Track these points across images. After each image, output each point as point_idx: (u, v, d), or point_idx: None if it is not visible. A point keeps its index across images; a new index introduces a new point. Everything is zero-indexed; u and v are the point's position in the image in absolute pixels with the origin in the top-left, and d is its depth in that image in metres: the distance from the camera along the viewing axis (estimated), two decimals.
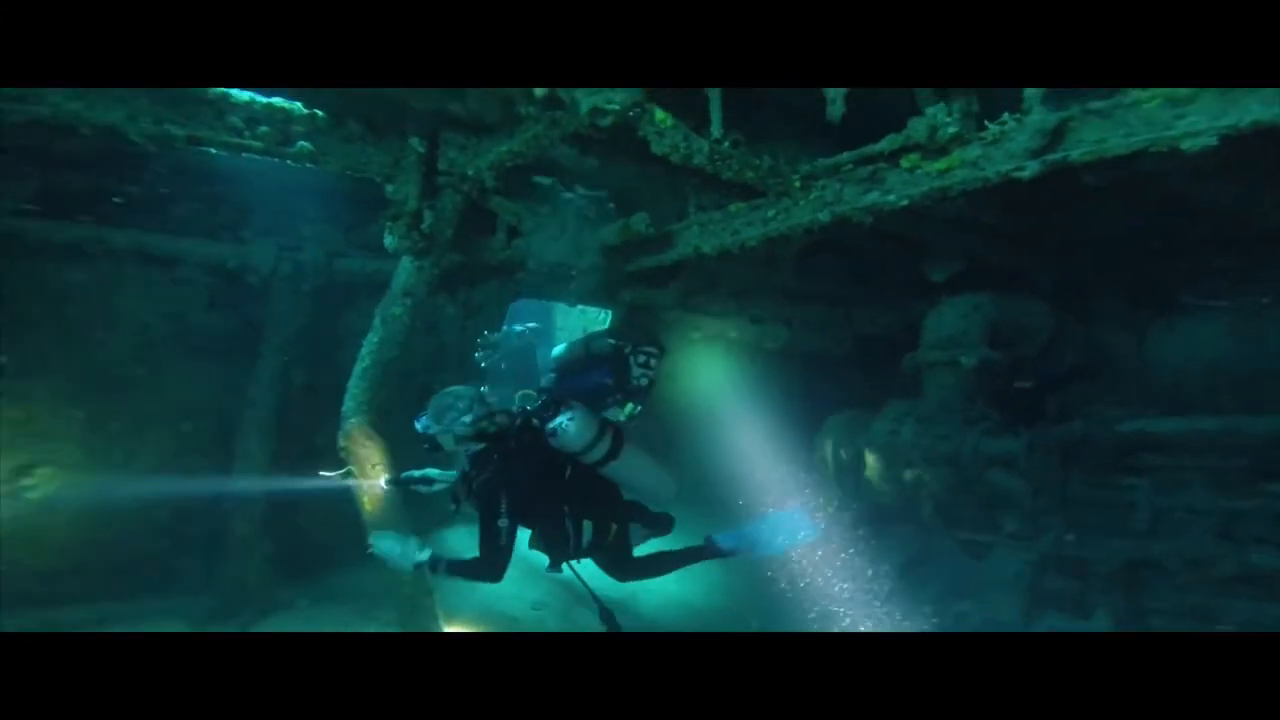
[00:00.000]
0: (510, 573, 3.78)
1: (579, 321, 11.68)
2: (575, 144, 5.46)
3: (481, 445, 3.81)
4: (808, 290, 7.94)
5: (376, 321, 5.34)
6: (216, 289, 6.19)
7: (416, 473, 4.34)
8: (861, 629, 6.50)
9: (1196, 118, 3.15)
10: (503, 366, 10.75)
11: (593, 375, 4.72)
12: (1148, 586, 5.73)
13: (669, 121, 3.88)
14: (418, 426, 3.86)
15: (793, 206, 4.83)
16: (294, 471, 5.48)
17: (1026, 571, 6.17)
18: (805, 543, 4.61)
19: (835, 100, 3.72)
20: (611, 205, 6.37)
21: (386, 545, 3.87)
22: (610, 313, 7.75)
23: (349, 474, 4.83)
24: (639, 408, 4.80)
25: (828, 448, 7.40)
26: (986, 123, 3.83)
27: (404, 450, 4.63)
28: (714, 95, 4.00)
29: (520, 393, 4.15)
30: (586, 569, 4.13)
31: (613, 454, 3.88)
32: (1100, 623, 5.73)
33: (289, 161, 4.76)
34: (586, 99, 3.51)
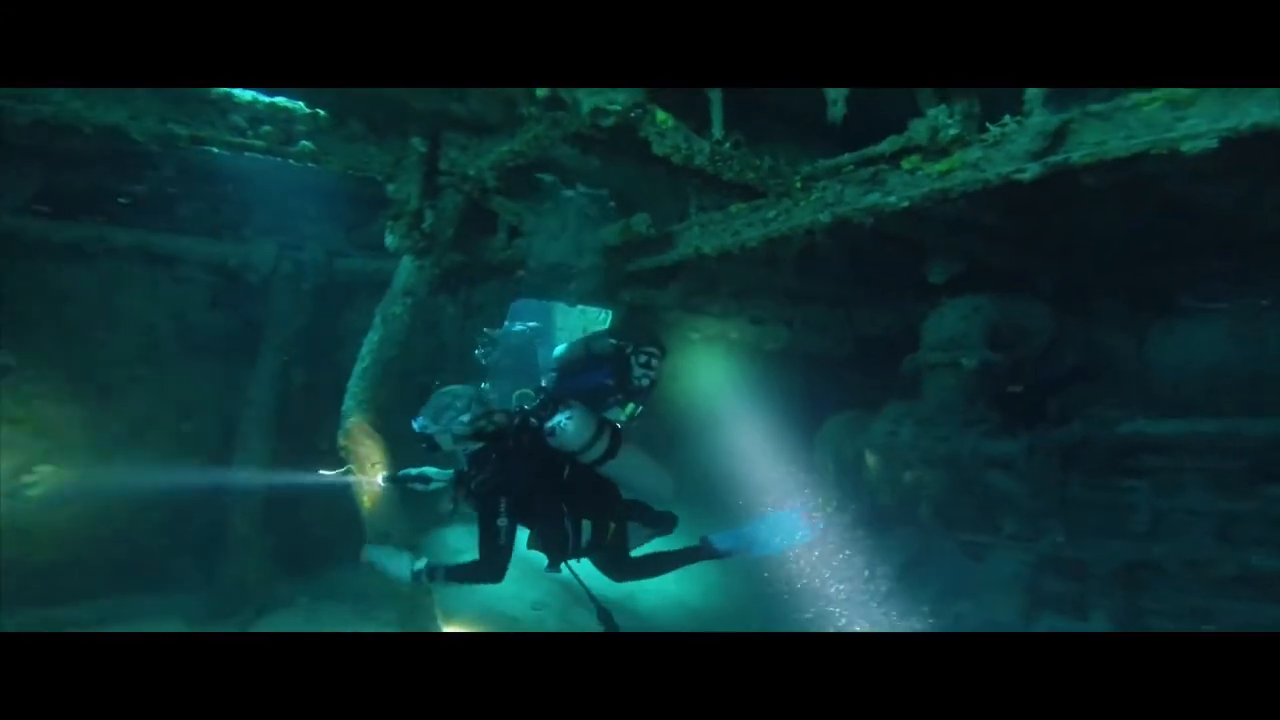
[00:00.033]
0: (510, 572, 3.77)
1: (579, 321, 11.69)
2: (576, 144, 5.46)
3: (479, 445, 3.80)
4: (808, 291, 7.95)
5: (377, 320, 5.34)
6: (217, 288, 6.19)
7: (414, 471, 4.32)
8: (859, 629, 6.50)
9: (1196, 120, 3.15)
10: (505, 362, 10.78)
11: (594, 375, 4.71)
12: (1146, 588, 5.73)
13: (670, 122, 3.88)
14: (415, 426, 3.84)
15: (793, 207, 4.84)
16: (293, 470, 5.49)
17: (1025, 573, 6.17)
18: (801, 544, 4.62)
19: (836, 102, 3.73)
20: (613, 204, 6.38)
21: (379, 558, 3.86)
22: (610, 313, 7.76)
23: (348, 471, 4.83)
24: (640, 408, 4.80)
25: (827, 448, 7.41)
26: (987, 125, 3.84)
27: (404, 449, 4.63)
28: (715, 96, 4.01)
29: (518, 392, 4.13)
30: (584, 569, 4.13)
31: (611, 453, 3.88)
32: (1098, 624, 5.74)
33: (291, 161, 4.76)
34: (588, 99, 3.51)
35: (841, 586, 6.85)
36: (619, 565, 4.28)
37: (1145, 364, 6.82)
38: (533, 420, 3.88)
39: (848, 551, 6.98)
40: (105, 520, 5.78)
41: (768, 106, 4.92)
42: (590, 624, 3.94)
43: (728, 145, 4.15)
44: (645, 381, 4.73)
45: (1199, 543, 5.44)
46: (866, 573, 6.87)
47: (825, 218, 4.64)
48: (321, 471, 4.65)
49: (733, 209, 5.33)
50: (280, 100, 4.63)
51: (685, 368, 7.72)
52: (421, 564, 3.81)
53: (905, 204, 4.24)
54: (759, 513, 4.96)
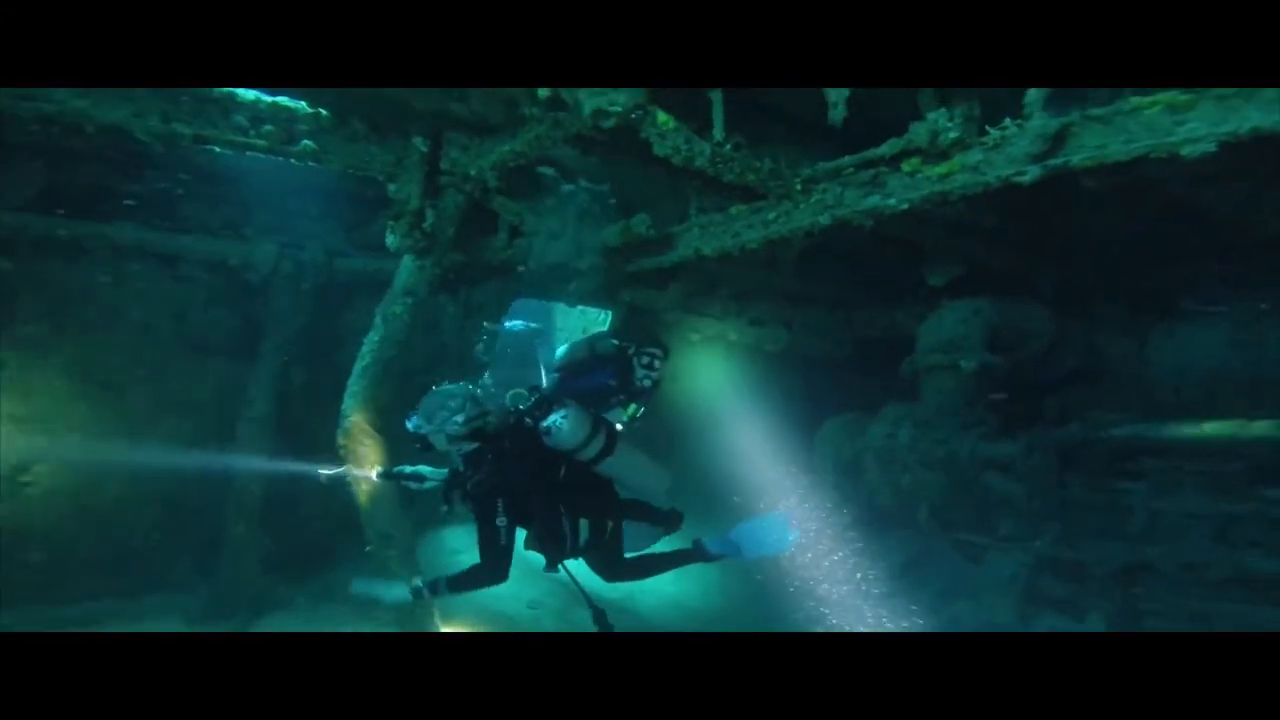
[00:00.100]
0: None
1: (579, 322, 11.70)
2: (577, 145, 5.47)
3: (474, 445, 3.79)
4: (808, 293, 7.96)
5: (377, 320, 5.35)
6: (217, 287, 6.20)
7: (408, 468, 4.31)
8: (858, 630, 6.51)
9: (1196, 124, 3.17)
10: (508, 351, 10.82)
11: (596, 376, 4.72)
12: (1144, 589, 5.74)
13: (671, 124, 3.89)
14: (409, 426, 3.84)
15: (793, 209, 4.85)
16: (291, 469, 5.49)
17: (1022, 574, 6.18)
18: (788, 548, 4.63)
19: (837, 104, 3.73)
20: (613, 200, 6.38)
21: (369, 590, 3.85)
22: (610, 313, 7.77)
23: (344, 470, 4.82)
24: (642, 409, 4.81)
25: (826, 450, 7.42)
26: (987, 128, 3.85)
27: (404, 449, 4.64)
28: (716, 98, 4.02)
29: (511, 392, 4.13)
30: (582, 569, 4.13)
31: (607, 451, 3.88)
32: (1094, 624, 5.74)
33: (292, 160, 4.77)
34: (589, 100, 3.52)
35: (840, 588, 6.86)
36: (614, 566, 4.29)
37: (1145, 367, 6.83)
38: (528, 420, 3.88)
39: (847, 553, 6.99)
40: (104, 519, 5.79)
41: (768, 108, 4.93)
42: (589, 624, 3.95)
43: (728, 147, 4.16)
44: (648, 382, 4.74)
45: (1196, 545, 5.45)
46: (865, 574, 6.88)
47: (825, 220, 4.65)
48: (320, 471, 4.65)
49: (733, 211, 5.33)
50: (282, 100, 4.64)
51: (685, 369, 7.73)
52: (419, 582, 3.80)
53: (905, 206, 4.26)
54: (752, 514, 4.97)
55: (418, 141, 4.90)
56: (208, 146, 4.63)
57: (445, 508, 3.94)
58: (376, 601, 3.79)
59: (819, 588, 6.89)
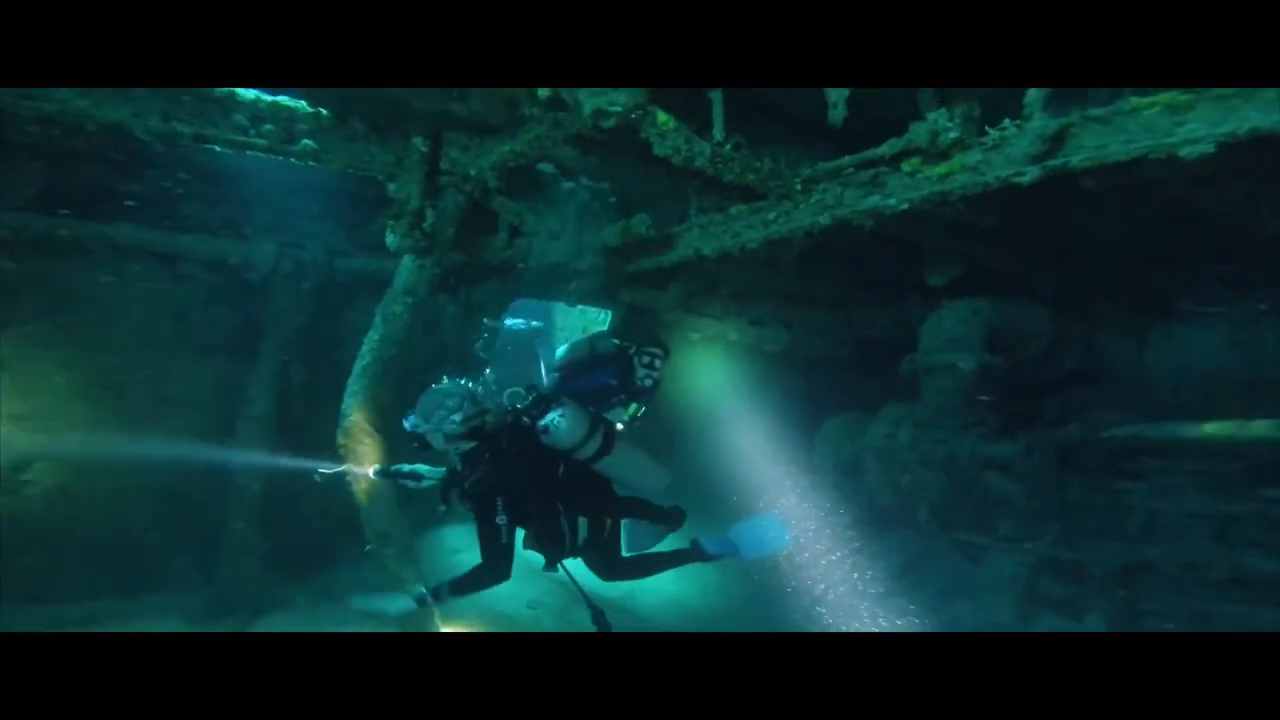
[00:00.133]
0: None
1: (579, 321, 11.70)
2: (577, 145, 5.48)
3: (472, 444, 3.78)
4: (808, 293, 7.96)
5: (377, 319, 5.35)
6: (217, 286, 6.20)
7: (406, 467, 4.29)
8: (857, 630, 6.51)
9: (1195, 125, 3.17)
10: (508, 349, 10.83)
11: (597, 375, 4.73)
12: (1143, 590, 5.74)
13: (671, 124, 3.89)
14: (406, 425, 3.82)
15: (793, 209, 4.85)
16: (291, 468, 5.49)
17: (1022, 574, 6.19)
18: (784, 548, 4.63)
19: (837, 104, 3.74)
20: (613, 199, 6.39)
21: (372, 605, 3.84)
22: (610, 313, 7.77)
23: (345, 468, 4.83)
24: (643, 408, 4.82)
25: (826, 450, 7.42)
26: (987, 128, 3.86)
27: (403, 448, 4.64)
28: (716, 98, 4.02)
29: (508, 390, 4.11)
30: (581, 569, 4.13)
31: (605, 449, 3.88)
32: (1093, 625, 5.75)
33: (292, 160, 4.77)
34: (589, 100, 3.52)
35: (840, 588, 6.86)
36: (611, 565, 4.29)
37: (1144, 368, 6.83)
38: (525, 419, 3.87)
39: (847, 552, 7.00)
40: (103, 518, 5.79)
41: (768, 108, 4.93)
42: (588, 624, 3.95)
43: (728, 147, 4.16)
44: (649, 382, 4.75)
45: (1196, 545, 5.46)
46: (865, 574, 6.89)
47: (825, 220, 4.66)
48: (317, 470, 4.64)
49: (733, 211, 5.34)
50: (283, 99, 4.64)
51: (685, 369, 7.74)
52: (421, 590, 3.79)
53: (905, 206, 4.26)
54: (751, 513, 4.98)
55: (418, 141, 4.90)
56: (208, 146, 4.63)
57: (443, 507, 3.92)
58: (380, 614, 3.75)
59: (819, 588, 6.89)
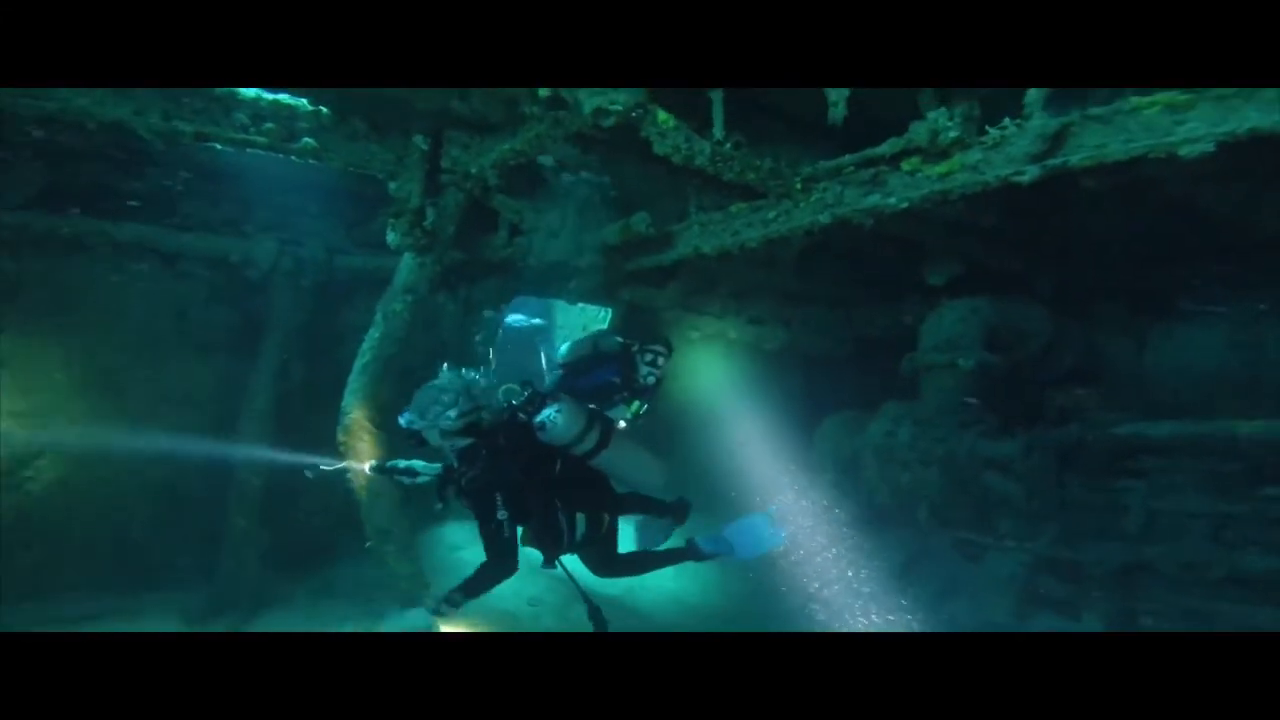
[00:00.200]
0: None
1: (579, 320, 11.71)
2: (577, 143, 5.48)
3: (468, 441, 3.74)
4: (807, 291, 7.97)
5: (378, 317, 5.36)
6: (218, 284, 6.20)
7: (402, 463, 4.26)
8: (856, 629, 6.52)
9: (1195, 124, 3.18)
10: (508, 348, 10.84)
11: (600, 373, 4.71)
12: (1142, 589, 5.75)
13: (671, 122, 3.90)
14: (402, 422, 3.79)
15: (793, 208, 4.85)
16: (291, 465, 5.50)
17: (1021, 573, 6.20)
18: (779, 546, 4.62)
19: (837, 103, 3.74)
20: (614, 193, 6.38)
21: (400, 623, 3.80)
22: (610, 311, 7.78)
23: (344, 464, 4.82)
24: (645, 406, 4.81)
25: (826, 448, 7.43)
26: (987, 127, 3.86)
27: (404, 445, 4.64)
28: (716, 97, 4.02)
29: (504, 387, 4.08)
30: (578, 566, 4.12)
31: (602, 445, 3.85)
32: (1091, 624, 5.76)
33: (293, 158, 4.78)
34: (590, 99, 3.53)
35: (838, 586, 6.87)
36: (607, 562, 4.27)
37: (1144, 367, 6.84)
38: (521, 415, 3.85)
39: (845, 551, 7.01)
40: (105, 515, 5.81)
41: (769, 107, 4.94)
42: (587, 621, 3.95)
43: (728, 146, 4.17)
44: (651, 379, 4.74)
45: (1195, 544, 5.46)
46: (863, 572, 6.90)
47: (825, 218, 4.66)
48: (313, 466, 4.63)
49: (733, 209, 5.34)
50: (283, 97, 4.64)
51: (684, 367, 7.74)
52: (433, 603, 3.75)
53: (905, 205, 4.27)
54: (748, 512, 4.97)
55: (418, 140, 4.91)
56: (209, 144, 4.63)
57: (439, 505, 3.89)
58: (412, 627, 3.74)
59: (817, 586, 6.90)
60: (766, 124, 4.94)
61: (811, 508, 7.20)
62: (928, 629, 6.22)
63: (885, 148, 4.18)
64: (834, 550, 7.01)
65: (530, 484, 3.72)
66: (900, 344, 7.10)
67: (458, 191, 5.18)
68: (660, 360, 4.79)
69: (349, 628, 5.57)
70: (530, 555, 4.04)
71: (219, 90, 4.41)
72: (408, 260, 5.36)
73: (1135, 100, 3.35)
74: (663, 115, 3.85)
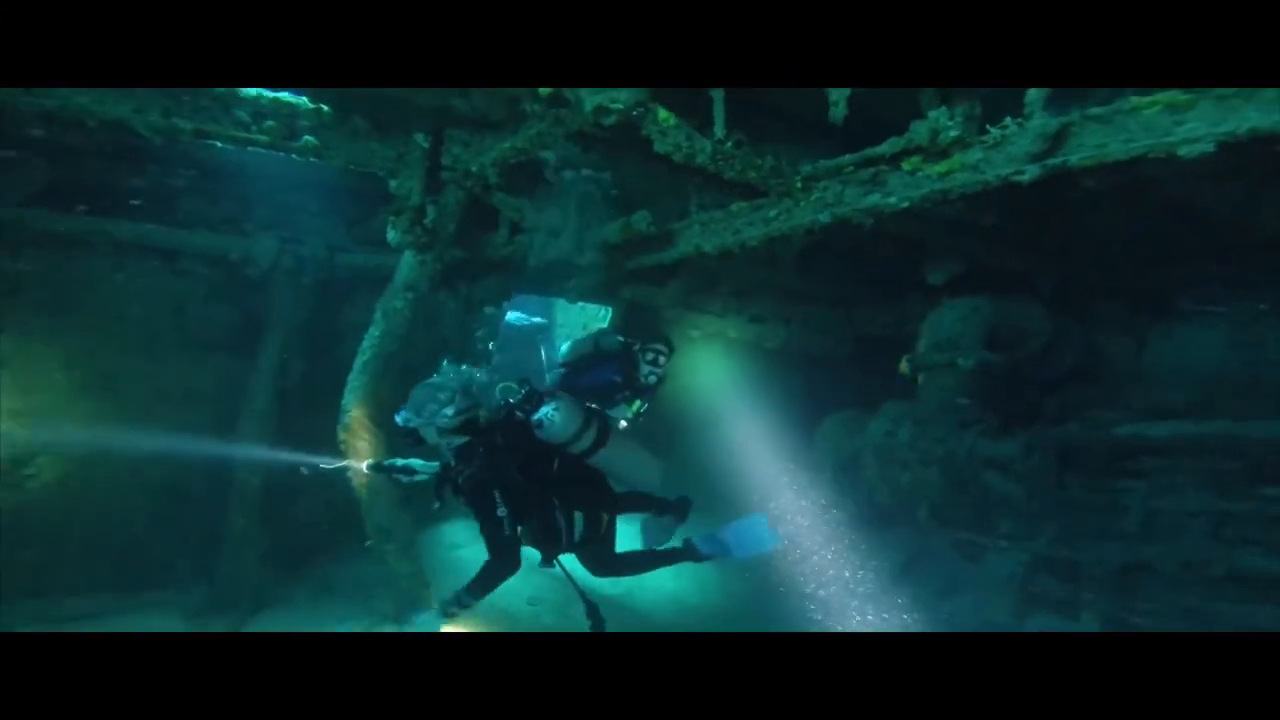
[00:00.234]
0: None
1: (579, 318, 11.72)
2: (578, 142, 5.48)
3: (465, 439, 3.74)
4: (808, 290, 7.97)
5: (378, 315, 5.36)
6: (218, 282, 6.20)
7: (399, 461, 4.25)
8: (855, 628, 6.53)
9: (1195, 124, 3.18)
10: (508, 344, 10.86)
11: (601, 372, 4.72)
12: (1142, 589, 5.76)
13: (672, 121, 3.90)
14: (398, 420, 3.78)
15: (794, 207, 4.86)
16: (291, 464, 5.51)
17: (1020, 573, 6.20)
18: (775, 547, 4.62)
19: (838, 103, 3.74)
20: (615, 191, 6.38)
21: (422, 625, 3.80)
22: (610, 309, 7.78)
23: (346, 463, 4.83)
24: (646, 405, 4.82)
25: (826, 447, 7.44)
26: (988, 127, 3.86)
27: (404, 444, 4.65)
28: (717, 96, 4.02)
29: (501, 384, 4.08)
30: (577, 566, 4.12)
31: (600, 443, 3.85)
32: (1089, 624, 5.77)
33: (294, 156, 4.78)
34: (591, 98, 3.53)
35: (838, 586, 6.88)
36: (605, 561, 4.27)
37: (1144, 367, 6.84)
38: (518, 413, 3.84)
39: (845, 550, 7.01)
40: (105, 513, 5.81)
41: (769, 106, 4.93)
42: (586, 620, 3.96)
43: (729, 144, 4.16)
44: (653, 379, 4.75)
45: (1195, 544, 5.47)
46: (863, 572, 6.90)
47: (826, 218, 4.66)
48: (314, 462, 4.63)
49: (733, 208, 5.34)
50: (284, 95, 4.64)
51: (685, 366, 7.75)
52: (442, 605, 3.76)
53: (905, 205, 4.26)
54: (746, 512, 4.98)
55: (419, 137, 4.91)
56: (209, 142, 4.63)
57: (437, 505, 3.88)
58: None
59: (817, 586, 6.91)
60: (767, 123, 4.94)
61: (811, 507, 7.20)
62: (927, 628, 6.23)
63: (886, 147, 4.18)
64: (833, 550, 7.02)
65: (528, 482, 3.72)
66: (901, 344, 7.11)
67: (458, 189, 5.18)
68: (662, 359, 4.80)
69: (349, 626, 5.58)
70: (530, 554, 4.05)
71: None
72: (408, 258, 5.37)
73: (1135, 100, 3.35)
74: (664, 114, 3.85)
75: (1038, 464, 6.08)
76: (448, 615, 3.80)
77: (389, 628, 5.34)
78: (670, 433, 7.31)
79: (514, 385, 3.99)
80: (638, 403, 4.79)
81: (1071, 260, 6.90)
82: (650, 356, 4.77)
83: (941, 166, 4.03)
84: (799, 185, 4.70)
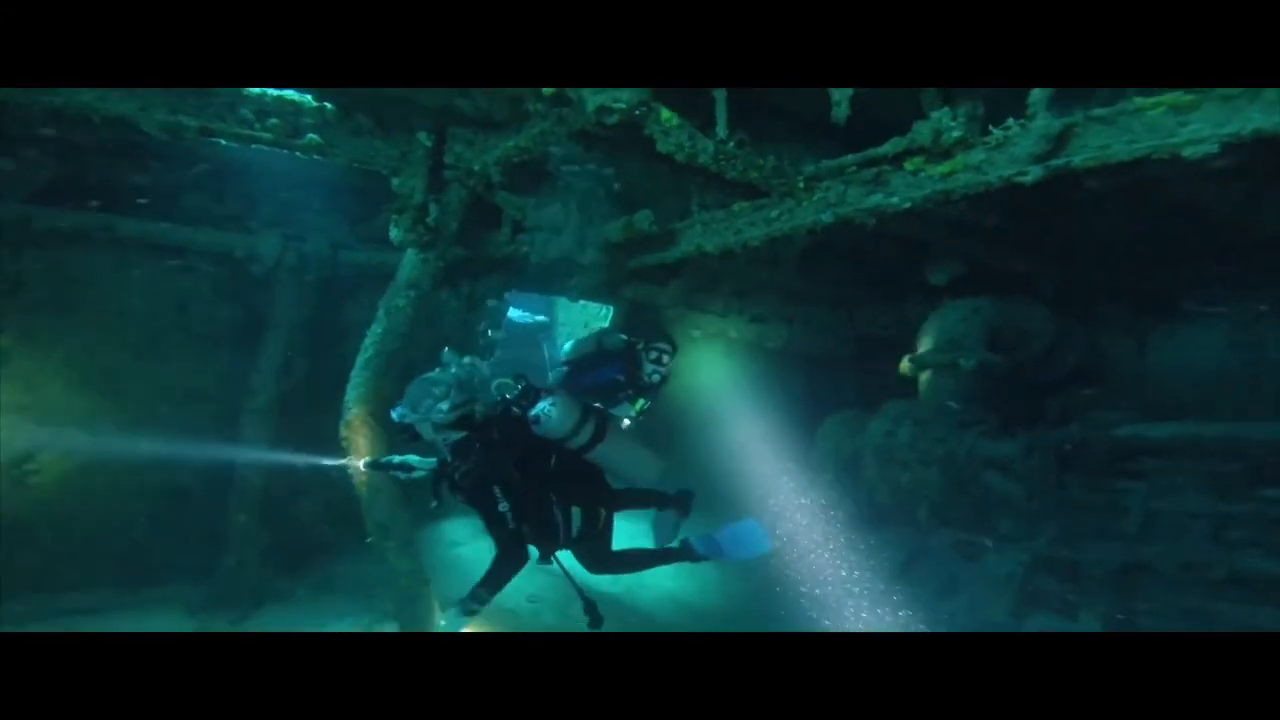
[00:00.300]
0: None
1: (580, 317, 11.72)
2: (581, 141, 5.48)
3: (461, 435, 3.72)
4: (810, 291, 7.98)
5: (380, 313, 5.37)
6: (221, 279, 6.21)
7: (396, 458, 4.23)
8: (855, 628, 6.53)
9: (1199, 125, 3.18)
10: (511, 342, 10.88)
11: (604, 371, 4.73)
12: (1140, 589, 5.76)
13: (674, 121, 3.90)
14: (394, 416, 3.77)
15: (796, 207, 4.86)
16: (293, 462, 5.52)
17: (1020, 573, 6.21)
18: (765, 553, 4.62)
19: (840, 103, 3.74)
20: (617, 186, 6.39)
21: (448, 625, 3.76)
22: (612, 308, 7.78)
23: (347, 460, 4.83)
24: (648, 403, 4.83)
25: (826, 447, 7.44)
26: (991, 127, 3.86)
27: (405, 441, 4.66)
28: (720, 96, 4.02)
29: (497, 381, 4.07)
30: (575, 563, 4.11)
31: (598, 439, 3.84)
32: (1088, 624, 5.77)
33: (297, 153, 4.79)
34: (594, 97, 3.53)
35: (837, 585, 6.88)
36: (601, 558, 4.25)
37: (1146, 367, 6.85)
38: (515, 409, 3.83)
39: (844, 550, 7.02)
40: (107, 509, 5.82)
41: (772, 106, 4.94)
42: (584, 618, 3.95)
43: (731, 144, 4.17)
44: (656, 377, 4.76)
45: (1195, 545, 5.47)
46: (863, 571, 6.91)
47: (828, 218, 4.66)
48: (315, 460, 4.64)
49: (735, 208, 5.35)
50: (288, 93, 4.65)
51: (686, 365, 7.75)
52: (459, 605, 3.71)
53: (908, 205, 4.27)
54: (745, 512, 4.98)
55: (422, 136, 4.91)
56: (213, 139, 4.64)
57: (435, 503, 3.86)
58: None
59: (816, 585, 6.91)
60: (769, 123, 4.94)
61: (812, 507, 7.21)
62: (926, 628, 6.23)
63: (888, 147, 4.18)
64: (834, 549, 7.02)
65: (525, 478, 3.70)
66: (902, 344, 7.12)
67: (461, 188, 5.19)
68: (665, 358, 4.80)
69: (349, 623, 5.59)
70: (529, 551, 4.05)
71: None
72: (411, 256, 5.37)
73: (1139, 101, 3.35)
74: (666, 113, 3.85)
75: (1038, 464, 6.08)
76: (468, 614, 3.78)
77: (389, 625, 5.35)
78: (671, 432, 7.31)
79: (510, 381, 3.98)
80: (641, 401, 4.80)
81: (1074, 261, 6.90)
82: (654, 355, 4.78)
83: (944, 167, 4.03)
84: (801, 185, 4.70)
